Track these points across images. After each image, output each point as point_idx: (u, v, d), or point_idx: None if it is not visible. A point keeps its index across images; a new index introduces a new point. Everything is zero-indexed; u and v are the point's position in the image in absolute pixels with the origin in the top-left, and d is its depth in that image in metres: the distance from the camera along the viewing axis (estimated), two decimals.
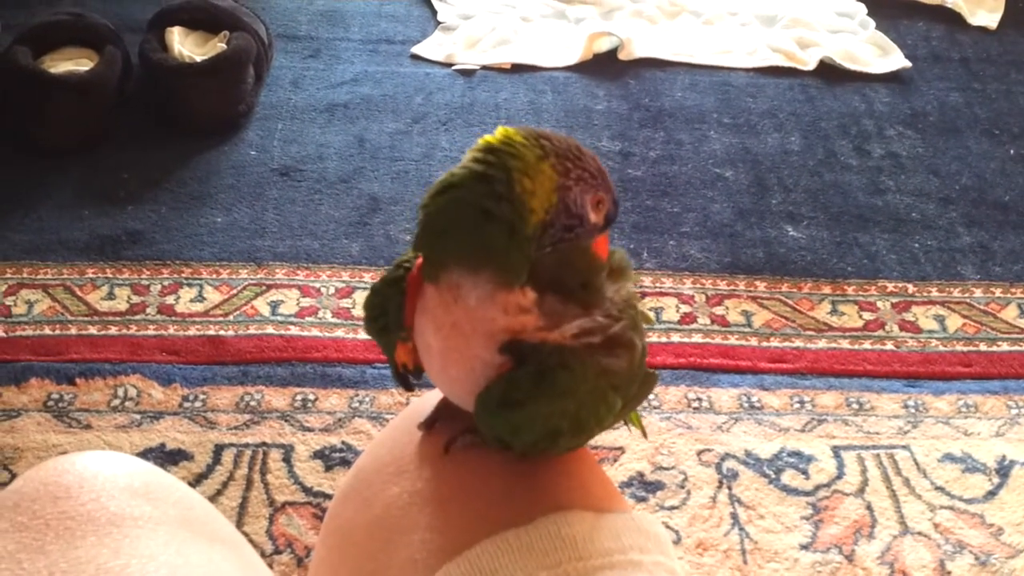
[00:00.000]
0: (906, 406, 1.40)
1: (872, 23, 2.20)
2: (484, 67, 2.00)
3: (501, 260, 0.52)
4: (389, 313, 0.59)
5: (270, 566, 1.16)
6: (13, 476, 1.21)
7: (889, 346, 1.49)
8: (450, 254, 0.53)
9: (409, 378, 0.63)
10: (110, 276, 1.50)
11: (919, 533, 1.24)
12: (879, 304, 1.56)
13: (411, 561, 0.56)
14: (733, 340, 1.48)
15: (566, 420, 0.55)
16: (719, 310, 1.53)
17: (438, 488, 0.59)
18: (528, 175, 0.53)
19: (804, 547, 1.21)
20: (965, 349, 1.50)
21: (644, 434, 0.66)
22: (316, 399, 1.35)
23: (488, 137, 0.54)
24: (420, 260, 0.56)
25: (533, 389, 0.53)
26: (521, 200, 0.52)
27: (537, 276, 0.53)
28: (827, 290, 1.58)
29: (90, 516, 0.55)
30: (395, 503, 0.60)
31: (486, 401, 0.54)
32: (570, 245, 0.56)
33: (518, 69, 2.01)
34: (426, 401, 0.66)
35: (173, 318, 1.45)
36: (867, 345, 1.49)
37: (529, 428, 0.55)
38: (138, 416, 1.31)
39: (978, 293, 1.59)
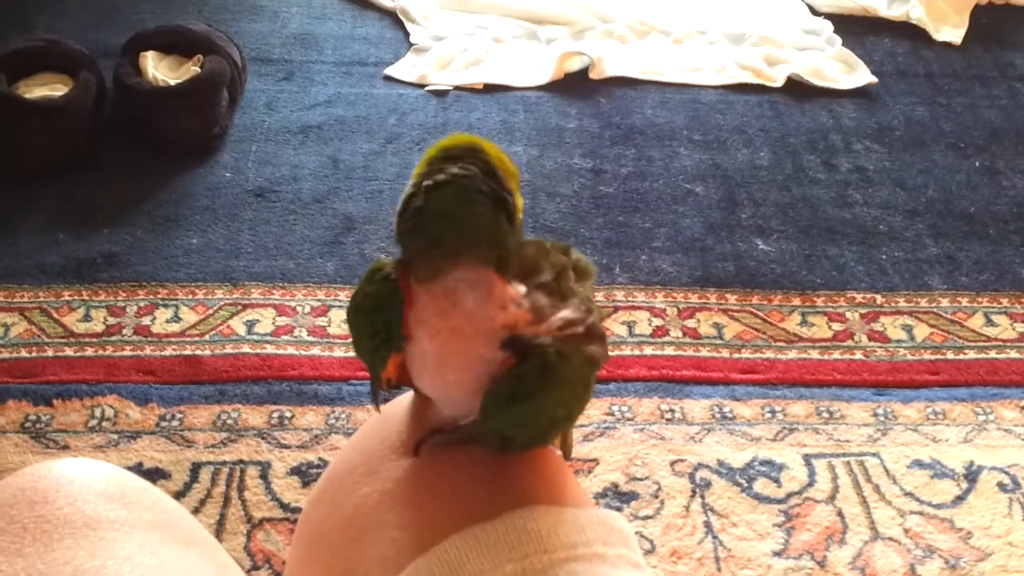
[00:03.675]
0: (875, 414, 1.42)
1: (839, 40, 2.23)
2: (457, 87, 2.02)
3: (505, 246, 0.54)
4: (391, 327, 0.57)
5: None
6: None
7: (858, 356, 1.51)
8: (461, 240, 0.53)
9: (383, 394, 0.63)
10: (86, 298, 1.51)
11: (889, 538, 1.26)
12: (848, 315, 1.58)
13: (381, 558, 0.57)
14: (705, 352, 1.50)
15: (563, 409, 0.57)
16: (691, 323, 1.55)
17: (407, 488, 0.61)
18: (509, 177, 0.55)
19: (777, 554, 1.23)
20: (933, 358, 1.52)
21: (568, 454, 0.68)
22: (292, 416, 1.36)
23: (444, 142, 0.55)
24: (402, 269, 0.56)
25: (540, 381, 0.54)
26: (513, 197, 0.55)
27: (517, 269, 0.56)
28: (797, 302, 1.60)
29: (67, 519, 0.56)
30: (365, 503, 0.61)
31: (495, 398, 0.55)
32: (536, 241, 0.59)
33: (490, 89, 2.03)
34: (397, 405, 0.67)
35: (149, 339, 1.45)
36: (837, 355, 1.51)
37: (535, 420, 0.56)
38: (115, 436, 1.31)
39: (945, 303, 1.62)
